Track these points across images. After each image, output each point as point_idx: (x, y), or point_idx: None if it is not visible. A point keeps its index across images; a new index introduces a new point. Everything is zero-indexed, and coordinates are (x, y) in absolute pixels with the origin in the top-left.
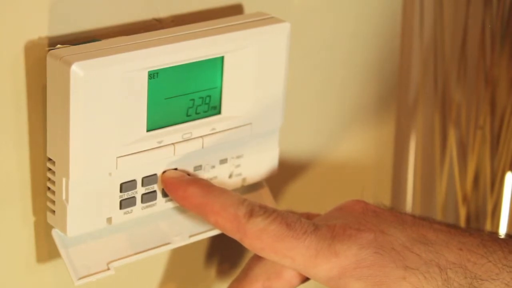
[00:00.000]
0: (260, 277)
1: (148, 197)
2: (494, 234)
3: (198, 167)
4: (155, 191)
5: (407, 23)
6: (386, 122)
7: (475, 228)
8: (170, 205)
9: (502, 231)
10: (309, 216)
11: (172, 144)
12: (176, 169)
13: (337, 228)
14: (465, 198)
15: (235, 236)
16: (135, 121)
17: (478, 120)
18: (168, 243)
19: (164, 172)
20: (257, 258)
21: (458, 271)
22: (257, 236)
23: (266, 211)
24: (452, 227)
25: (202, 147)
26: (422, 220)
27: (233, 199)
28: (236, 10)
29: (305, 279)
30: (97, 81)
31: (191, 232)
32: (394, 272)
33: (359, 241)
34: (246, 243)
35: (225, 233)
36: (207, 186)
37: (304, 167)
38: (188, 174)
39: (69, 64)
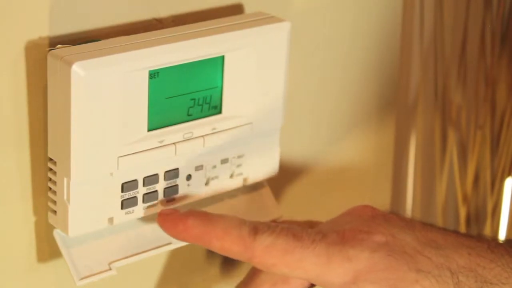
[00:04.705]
0: (266, 283)
1: (150, 197)
2: (497, 239)
3: (200, 167)
4: (156, 191)
5: (407, 24)
6: (386, 122)
7: (479, 234)
8: (172, 205)
9: (502, 232)
10: (311, 224)
11: (173, 143)
12: (177, 169)
13: (346, 233)
14: (465, 199)
15: (243, 257)
16: (136, 120)
17: (478, 121)
18: (169, 243)
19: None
20: None
21: (469, 275)
22: (266, 253)
23: (269, 226)
24: (458, 233)
25: (203, 146)
26: (430, 226)
27: (234, 221)
28: (236, 9)
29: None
30: (98, 81)
31: None
32: (407, 275)
33: (371, 244)
34: (255, 261)
35: (232, 257)
36: (204, 214)
37: (304, 167)
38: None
39: (69, 64)
